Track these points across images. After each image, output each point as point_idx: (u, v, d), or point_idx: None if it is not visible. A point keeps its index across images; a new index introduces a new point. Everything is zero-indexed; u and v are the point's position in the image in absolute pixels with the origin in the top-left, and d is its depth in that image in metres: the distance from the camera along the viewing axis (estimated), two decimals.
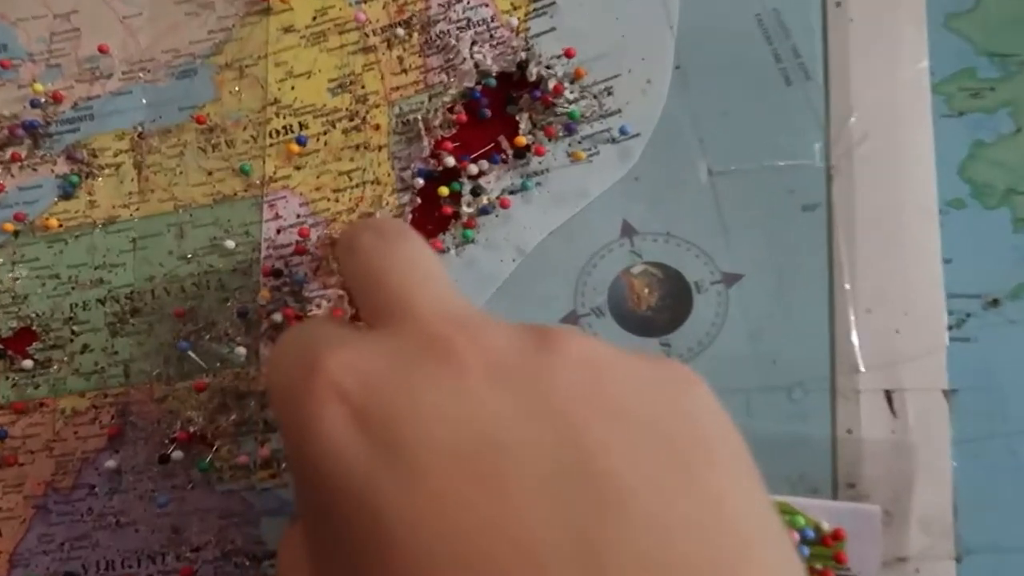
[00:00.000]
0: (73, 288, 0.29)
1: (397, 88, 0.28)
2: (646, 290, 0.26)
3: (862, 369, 0.25)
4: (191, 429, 0.27)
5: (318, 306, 0.27)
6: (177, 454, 0.27)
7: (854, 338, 0.25)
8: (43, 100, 0.29)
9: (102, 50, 0.29)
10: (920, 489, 0.24)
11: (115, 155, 0.29)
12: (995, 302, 0.25)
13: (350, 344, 0.16)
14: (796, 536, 0.24)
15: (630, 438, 0.14)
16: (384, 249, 0.20)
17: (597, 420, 0.14)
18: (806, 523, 0.24)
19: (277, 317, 0.27)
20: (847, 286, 0.25)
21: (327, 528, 0.15)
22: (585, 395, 0.15)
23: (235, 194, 0.29)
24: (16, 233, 0.29)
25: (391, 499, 0.14)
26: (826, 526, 0.24)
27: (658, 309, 0.26)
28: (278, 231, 0.28)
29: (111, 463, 0.27)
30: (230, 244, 0.28)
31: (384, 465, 0.14)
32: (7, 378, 0.28)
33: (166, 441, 0.27)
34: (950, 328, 0.25)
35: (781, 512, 0.24)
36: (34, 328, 0.29)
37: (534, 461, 0.14)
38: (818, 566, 0.24)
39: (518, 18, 0.28)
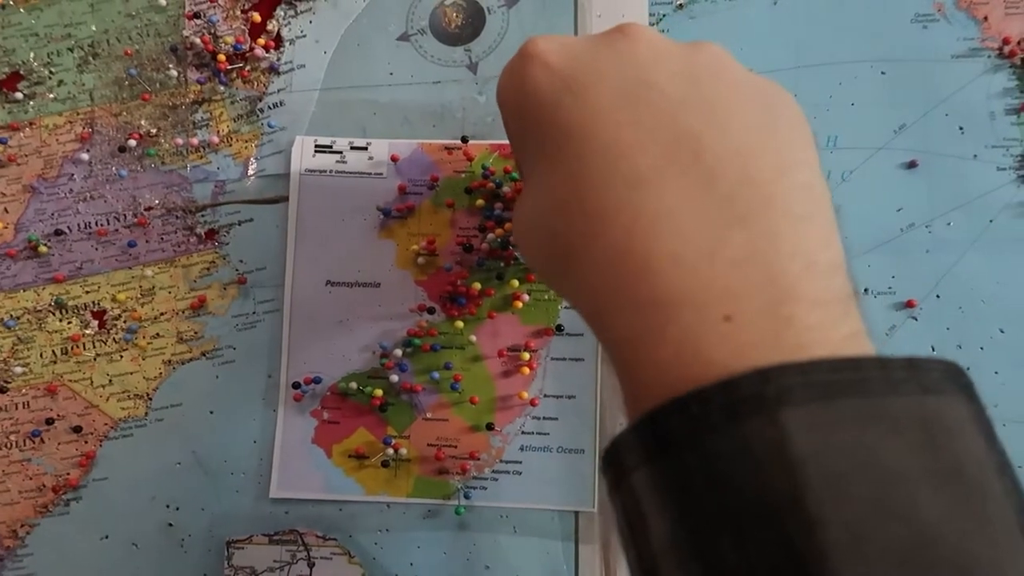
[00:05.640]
0: (48, 42, 0.40)
1: None
2: (454, 14, 0.38)
3: None
4: (140, 132, 0.39)
5: (225, 42, 0.38)
6: (131, 143, 0.38)
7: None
8: None
9: None
10: None
11: None
12: (680, 6, 0.37)
13: (556, 36, 0.24)
14: None
15: (734, 93, 0.22)
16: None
17: (715, 83, 0.22)
18: None
19: (198, 42, 0.38)
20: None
21: (530, 140, 0.24)
22: (712, 70, 0.22)
23: None
24: (3, 6, 0.40)
25: (568, 109, 0.22)
26: None
27: (463, 27, 0.38)
28: None
29: (84, 156, 0.38)
30: (162, 2, 0.39)
31: (567, 92, 0.22)
32: (3, 107, 0.39)
33: (123, 139, 0.38)
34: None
35: None
36: (21, 72, 0.39)
37: (668, 95, 0.21)
38: None
39: None
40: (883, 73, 0.37)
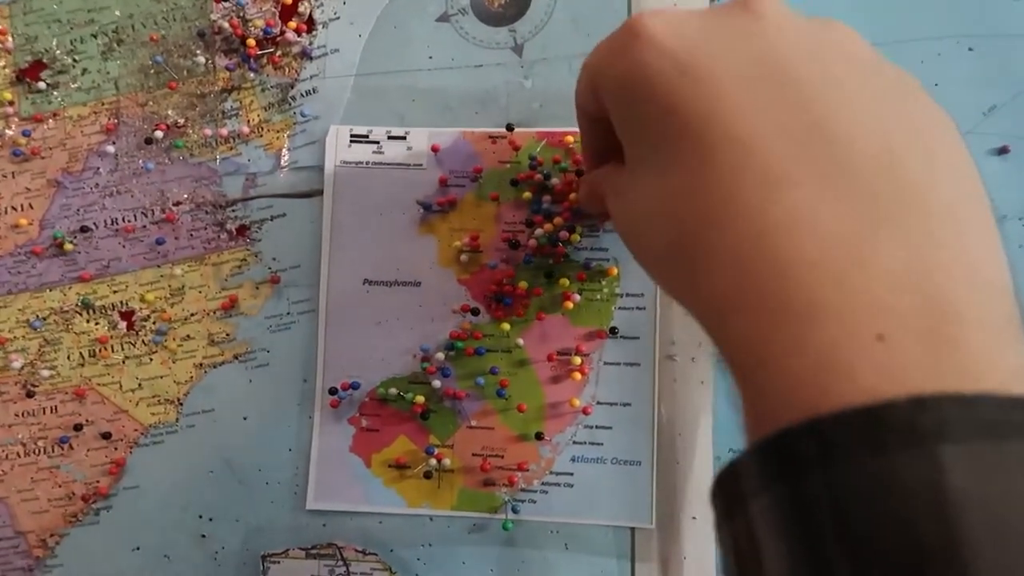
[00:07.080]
0: (72, 28, 0.38)
1: None
2: None
3: None
4: (167, 122, 0.37)
5: (255, 26, 0.36)
6: (158, 134, 0.36)
7: None
8: None
9: None
10: None
11: None
12: None
13: (666, 10, 0.22)
14: None
15: (868, 77, 0.20)
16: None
17: (847, 65, 0.20)
18: None
19: (226, 26, 0.36)
20: None
21: (640, 128, 0.22)
22: (844, 51, 0.20)
23: None
24: None
25: (686, 97, 0.20)
26: None
27: (507, 6, 0.35)
28: None
29: (110, 148, 0.37)
30: None
31: (683, 76, 0.20)
32: (27, 98, 0.38)
33: (150, 130, 0.37)
34: None
35: None
36: (44, 60, 0.38)
37: (797, 78, 0.19)
38: None
39: None
40: (970, 50, 0.33)
